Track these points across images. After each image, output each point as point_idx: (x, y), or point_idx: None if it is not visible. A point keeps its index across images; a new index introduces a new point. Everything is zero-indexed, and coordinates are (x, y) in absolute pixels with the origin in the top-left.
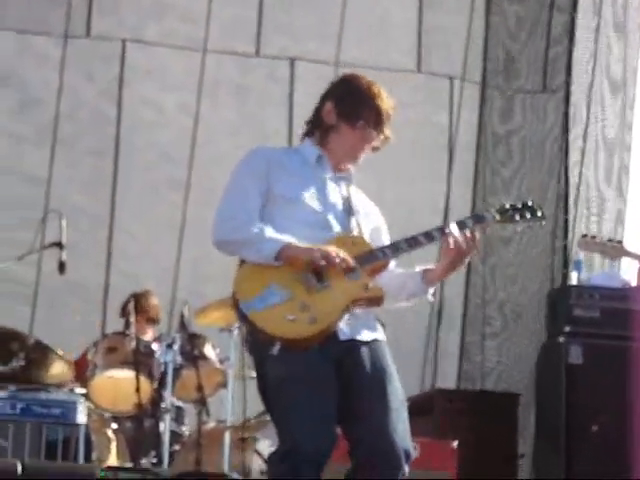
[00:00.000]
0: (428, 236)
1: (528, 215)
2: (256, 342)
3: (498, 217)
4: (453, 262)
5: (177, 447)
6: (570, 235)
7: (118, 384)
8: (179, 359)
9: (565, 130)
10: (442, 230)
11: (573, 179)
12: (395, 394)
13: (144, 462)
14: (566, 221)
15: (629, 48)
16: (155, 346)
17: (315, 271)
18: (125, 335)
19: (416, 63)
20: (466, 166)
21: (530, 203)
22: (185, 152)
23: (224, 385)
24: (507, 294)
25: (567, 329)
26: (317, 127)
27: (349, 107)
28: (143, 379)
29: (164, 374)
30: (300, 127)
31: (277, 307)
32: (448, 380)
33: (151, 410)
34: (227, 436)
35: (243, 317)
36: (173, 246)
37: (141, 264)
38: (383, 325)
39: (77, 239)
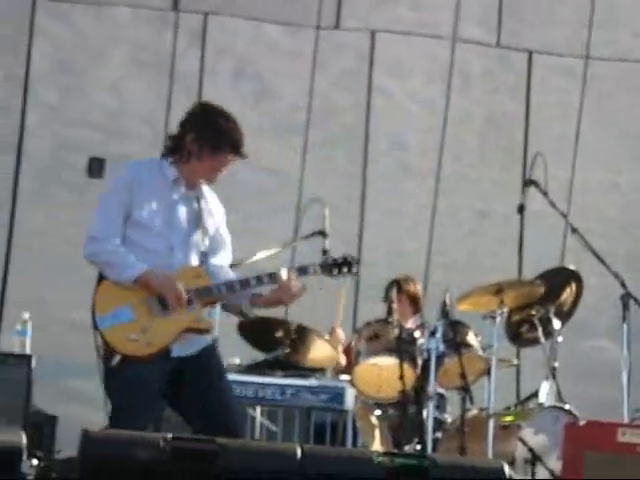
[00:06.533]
0: (259, 279)
1: (345, 270)
2: (104, 351)
3: (319, 270)
4: (279, 300)
5: (439, 434)
6: None
7: (381, 371)
8: (441, 347)
9: None
10: (272, 276)
11: None
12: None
13: (407, 449)
14: None
15: None
16: (417, 334)
17: (161, 298)
18: (387, 322)
19: None
20: None
21: (349, 259)
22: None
23: (487, 373)
24: None
25: None
26: (178, 150)
27: (210, 139)
28: (406, 366)
29: (427, 362)
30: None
31: (124, 326)
32: None
33: (414, 397)
34: (490, 424)
35: (96, 328)
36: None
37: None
38: None
39: None
